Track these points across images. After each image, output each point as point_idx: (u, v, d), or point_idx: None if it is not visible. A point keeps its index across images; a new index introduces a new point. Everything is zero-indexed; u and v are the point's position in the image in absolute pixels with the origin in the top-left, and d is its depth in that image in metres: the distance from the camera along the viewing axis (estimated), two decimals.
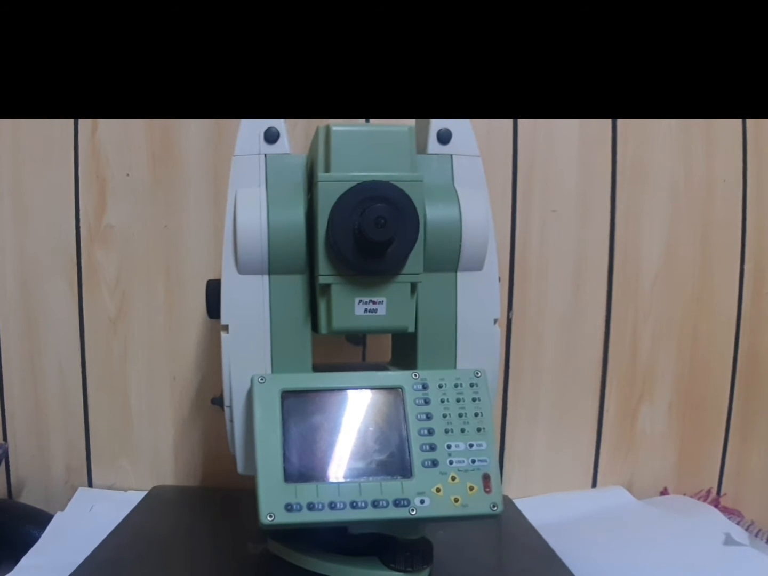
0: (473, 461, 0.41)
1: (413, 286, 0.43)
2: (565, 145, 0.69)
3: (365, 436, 0.41)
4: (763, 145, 0.70)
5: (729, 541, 0.56)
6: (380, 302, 0.42)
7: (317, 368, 0.45)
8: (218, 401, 0.48)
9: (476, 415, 0.43)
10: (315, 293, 0.44)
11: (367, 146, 0.42)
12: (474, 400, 0.43)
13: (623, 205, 0.70)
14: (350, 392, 0.43)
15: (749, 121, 0.70)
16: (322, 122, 0.43)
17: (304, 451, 0.40)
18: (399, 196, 0.40)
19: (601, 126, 0.69)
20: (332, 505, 0.38)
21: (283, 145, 0.45)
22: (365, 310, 0.42)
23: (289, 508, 0.38)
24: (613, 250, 0.70)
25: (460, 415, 0.42)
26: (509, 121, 0.68)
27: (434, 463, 0.41)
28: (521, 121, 0.68)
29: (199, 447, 0.70)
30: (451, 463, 0.41)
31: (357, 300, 0.42)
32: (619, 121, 0.69)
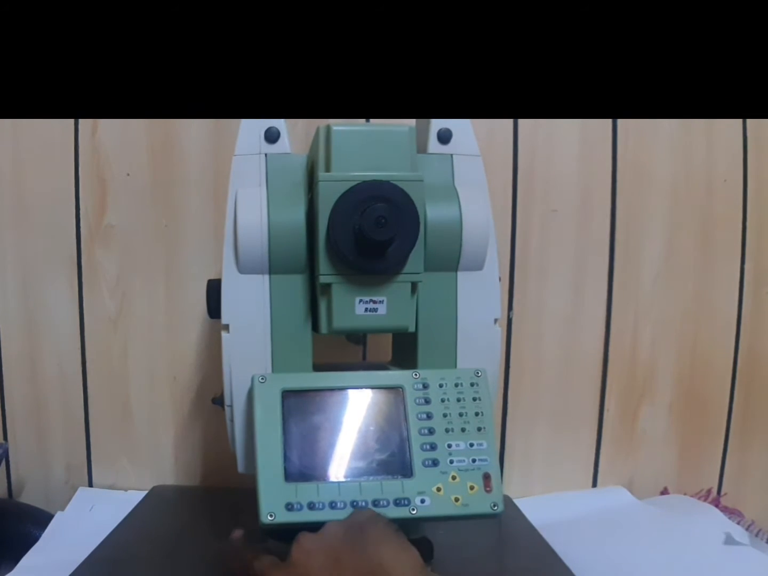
0: (474, 461, 0.41)
1: (414, 286, 0.43)
2: (565, 145, 0.69)
3: (366, 436, 0.41)
4: (763, 145, 0.70)
5: (729, 540, 0.56)
6: (381, 302, 0.42)
7: (318, 368, 0.45)
8: (219, 401, 0.48)
9: (477, 414, 0.43)
10: (315, 293, 0.44)
11: (368, 146, 0.42)
12: (474, 399, 0.43)
13: (623, 205, 0.70)
14: (351, 392, 0.43)
15: (749, 121, 0.70)
16: (322, 122, 0.43)
17: (304, 451, 0.40)
18: (399, 195, 0.40)
19: (601, 126, 0.69)
20: (333, 505, 0.38)
21: (283, 144, 0.45)
22: (366, 309, 0.42)
23: (289, 507, 0.38)
24: (613, 250, 0.70)
25: (461, 415, 0.42)
26: (509, 121, 0.68)
27: (435, 463, 0.41)
28: (521, 121, 0.68)
29: (199, 447, 0.70)
30: (451, 462, 0.41)
31: (357, 299, 0.42)
32: (619, 121, 0.69)
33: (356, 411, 0.42)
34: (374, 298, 0.42)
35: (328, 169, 0.41)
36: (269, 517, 0.38)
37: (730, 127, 0.70)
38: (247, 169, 0.45)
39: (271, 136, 0.45)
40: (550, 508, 0.66)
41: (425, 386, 0.43)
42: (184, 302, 0.68)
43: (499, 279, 0.47)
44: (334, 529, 0.36)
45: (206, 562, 0.49)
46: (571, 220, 0.69)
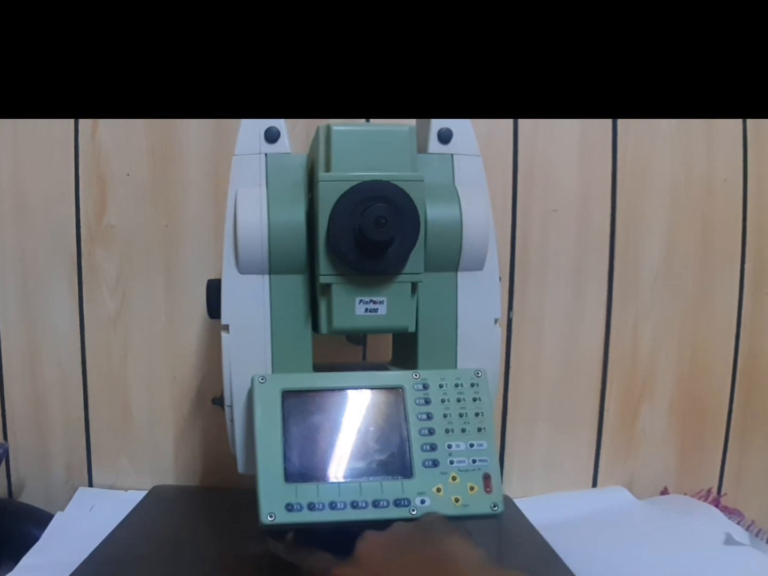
0: (474, 461, 0.41)
1: (414, 286, 0.43)
2: (565, 145, 0.69)
3: (366, 436, 0.41)
4: (763, 145, 0.70)
5: (729, 540, 0.56)
6: (381, 302, 0.42)
7: (318, 368, 0.45)
8: (219, 401, 0.48)
9: (477, 414, 0.43)
10: (315, 293, 0.44)
11: (368, 146, 0.42)
12: (474, 399, 0.43)
13: (623, 205, 0.70)
14: (351, 392, 0.43)
15: (749, 121, 0.70)
16: (322, 122, 0.43)
17: (304, 451, 0.40)
18: (399, 195, 0.40)
19: (601, 126, 0.69)
20: (333, 505, 0.38)
21: (283, 144, 0.45)
22: (366, 309, 0.42)
23: (289, 507, 0.38)
24: (613, 250, 0.70)
25: (461, 415, 0.42)
26: (509, 121, 0.68)
27: (435, 463, 0.41)
28: (521, 121, 0.68)
29: (199, 447, 0.70)
30: (451, 462, 0.41)
31: (357, 300, 0.42)
32: (619, 121, 0.69)
33: (356, 411, 0.42)
34: (374, 299, 0.42)
35: (328, 169, 0.41)
36: (269, 518, 0.38)
37: (730, 127, 0.70)
38: (247, 168, 0.45)
39: (271, 136, 0.45)
40: (550, 508, 0.66)
41: (425, 386, 0.43)
42: (184, 302, 0.68)
43: (499, 279, 0.47)
44: (400, 527, 0.37)
45: (209, 563, 0.49)
46: (571, 220, 0.69)
